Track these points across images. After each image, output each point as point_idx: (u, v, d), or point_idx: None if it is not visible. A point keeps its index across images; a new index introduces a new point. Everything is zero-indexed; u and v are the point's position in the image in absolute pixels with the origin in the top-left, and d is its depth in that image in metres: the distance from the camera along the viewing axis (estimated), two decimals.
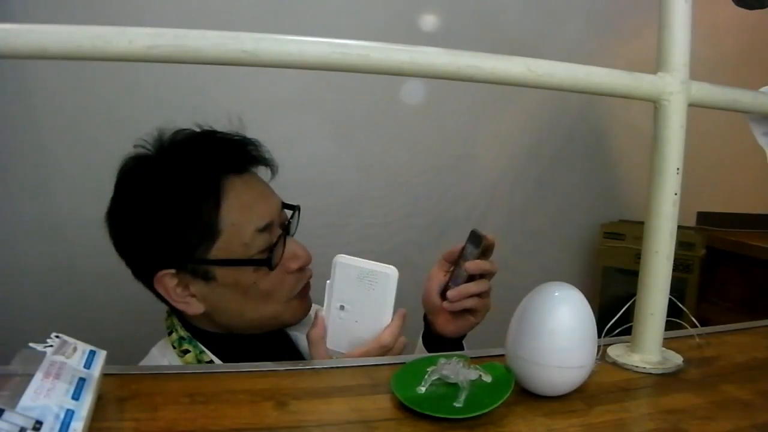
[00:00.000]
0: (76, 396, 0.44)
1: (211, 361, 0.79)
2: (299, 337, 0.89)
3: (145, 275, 0.78)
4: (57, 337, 0.49)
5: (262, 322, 0.81)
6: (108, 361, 0.51)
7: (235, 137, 0.81)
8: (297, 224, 0.86)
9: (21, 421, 0.38)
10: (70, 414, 0.42)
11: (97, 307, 1.24)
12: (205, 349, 0.79)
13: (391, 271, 0.69)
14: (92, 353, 0.50)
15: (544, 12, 1.57)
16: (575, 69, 0.59)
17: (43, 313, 1.21)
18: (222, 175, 0.76)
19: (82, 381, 0.46)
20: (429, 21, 1.45)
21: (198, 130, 0.81)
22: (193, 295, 0.77)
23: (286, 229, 0.82)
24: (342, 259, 0.71)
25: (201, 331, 0.81)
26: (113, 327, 1.15)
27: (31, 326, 1.15)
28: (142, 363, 0.81)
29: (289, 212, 0.85)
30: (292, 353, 0.88)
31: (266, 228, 0.77)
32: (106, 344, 0.53)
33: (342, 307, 0.71)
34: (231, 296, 0.77)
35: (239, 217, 0.76)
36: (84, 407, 0.43)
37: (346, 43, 0.52)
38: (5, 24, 0.45)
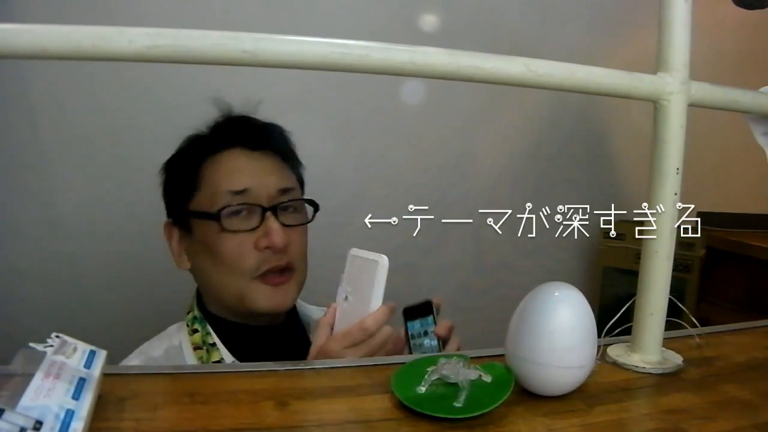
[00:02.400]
0: (76, 396, 0.44)
1: (214, 344, 0.80)
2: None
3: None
4: (57, 337, 0.49)
5: (229, 298, 0.81)
6: (108, 361, 0.51)
7: (262, 122, 0.87)
8: (312, 218, 0.87)
9: (21, 421, 0.38)
10: (70, 414, 0.42)
11: (97, 307, 1.24)
12: (211, 331, 0.81)
13: (380, 259, 0.69)
14: (92, 353, 0.50)
15: (544, 12, 1.57)
16: (575, 69, 0.59)
17: (43, 313, 1.21)
18: (228, 145, 0.83)
19: (82, 381, 0.46)
20: (429, 21, 1.45)
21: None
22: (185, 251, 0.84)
23: (273, 208, 0.81)
24: (352, 251, 0.72)
25: (211, 315, 0.83)
26: (113, 327, 1.15)
27: (31, 326, 1.15)
28: (158, 335, 0.84)
29: (291, 201, 0.85)
30: (298, 349, 0.87)
31: (241, 193, 0.79)
32: (106, 344, 0.53)
33: (346, 297, 0.72)
34: (203, 256, 0.81)
35: (219, 177, 0.81)
36: (84, 407, 0.43)
37: (346, 43, 0.52)
38: (5, 24, 0.45)
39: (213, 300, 0.84)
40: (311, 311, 0.94)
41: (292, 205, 0.84)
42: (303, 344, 0.88)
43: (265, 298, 0.80)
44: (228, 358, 0.80)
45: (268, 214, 0.80)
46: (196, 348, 0.80)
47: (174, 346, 0.81)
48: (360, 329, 0.67)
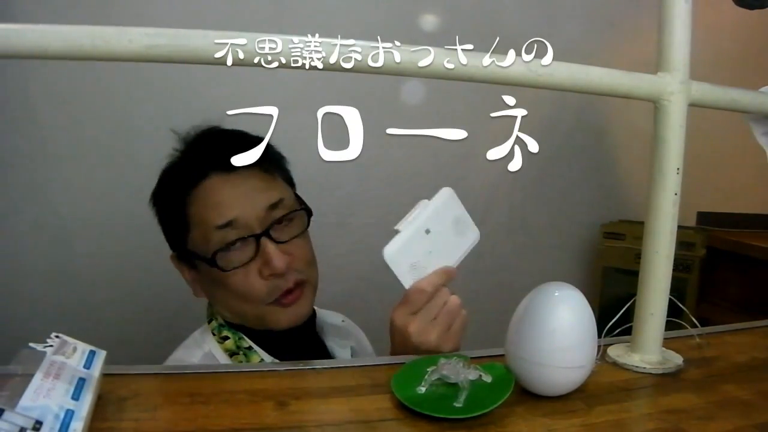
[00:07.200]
0: (76, 396, 0.44)
1: (250, 348, 0.79)
2: (335, 348, 0.89)
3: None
4: (57, 337, 0.49)
5: (249, 321, 0.80)
6: (108, 361, 0.51)
7: (235, 135, 0.78)
8: (308, 225, 0.82)
9: (21, 421, 0.38)
10: (70, 414, 0.42)
11: (97, 308, 1.24)
12: (243, 336, 0.80)
13: (477, 235, 0.73)
14: (92, 353, 0.50)
15: (544, 11, 1.57)
16: (575, 69, 0.59)
17: (43, 313, 1.21)
18: (206, 172, 0.78)
19: (82, 381, 0.46)
20: (429, 20, 1.45)
21: (209, 126, 0.83)
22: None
23: (266, 231, 0.77)
24: (452, 193, 0.73)
25: (234, 324, 0.82)
26: (113, 327, 1.15)
27: (31, 326, 1.15)
28: (184, 344, 0.83)
29: (284, 215, 0.80)
30: (321, 346, 0.88)
31: (226, 226, 0.75)
32: (106, 344, 0.53)
33: (428, 231, 0.71)
34: (214, 288, 0.80)
35: (203, 214, 0.77)
36: (84, 407, 0.43)
37: (346, 43, 0.52)
38: (5, 24, 0.45)
39: (233, 316, 0.82)
40: (323, 315, 0.92)
41: (286, 218, 0.80)
42: (321, 342, 0.89)
43: (284, 317, 0.79)
44: (267, 359, 0.79)
45: (263, 239, 0.76)
46: (232, 354, 0.78)
47: (206, 353, 0.79)
48: (416, 291, 0.66)
